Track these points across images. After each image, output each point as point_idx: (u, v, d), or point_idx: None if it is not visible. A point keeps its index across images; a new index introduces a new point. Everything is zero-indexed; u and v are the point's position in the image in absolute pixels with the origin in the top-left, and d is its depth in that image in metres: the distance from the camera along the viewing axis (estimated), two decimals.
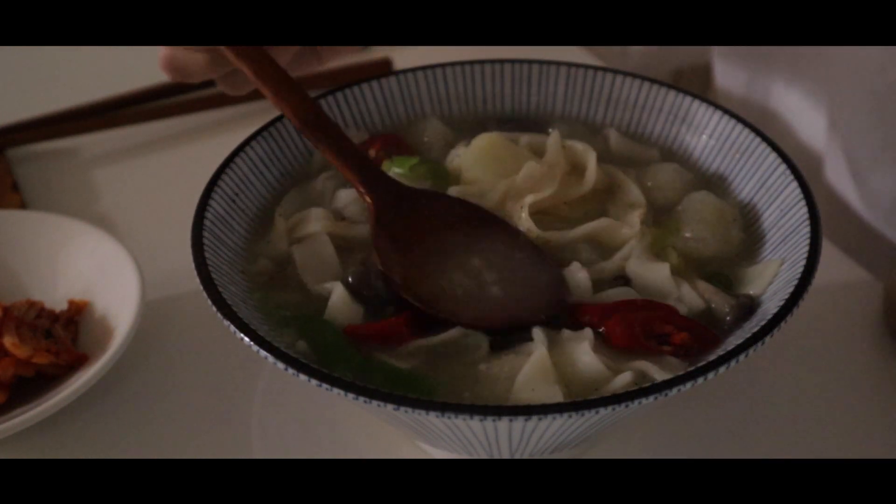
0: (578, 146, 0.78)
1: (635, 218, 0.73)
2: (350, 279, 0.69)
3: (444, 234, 0.72)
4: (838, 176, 1.01)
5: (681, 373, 0.57)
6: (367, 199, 0.73)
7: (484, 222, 0.73)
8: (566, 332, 0.65)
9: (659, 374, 0.61)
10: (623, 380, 0.62)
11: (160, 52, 0.75)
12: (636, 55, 1.25)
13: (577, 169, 0.78)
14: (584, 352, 0.63)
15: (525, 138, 0.80)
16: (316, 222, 0.74)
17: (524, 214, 0.73)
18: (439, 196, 0.75)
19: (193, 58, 0.75)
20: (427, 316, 0.66)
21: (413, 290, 0.68)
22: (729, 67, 1.13)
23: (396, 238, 0.71)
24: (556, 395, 0.61)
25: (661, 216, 0.76)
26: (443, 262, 0.70)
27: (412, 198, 0.74)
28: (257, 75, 0.74)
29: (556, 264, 0.70)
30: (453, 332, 0.65)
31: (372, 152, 0.81)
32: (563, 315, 0.67)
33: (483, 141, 0.78)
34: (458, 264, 0.70)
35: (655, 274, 0.69)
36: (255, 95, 1.15)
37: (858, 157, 0.98)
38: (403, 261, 0.70)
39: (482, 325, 0.66)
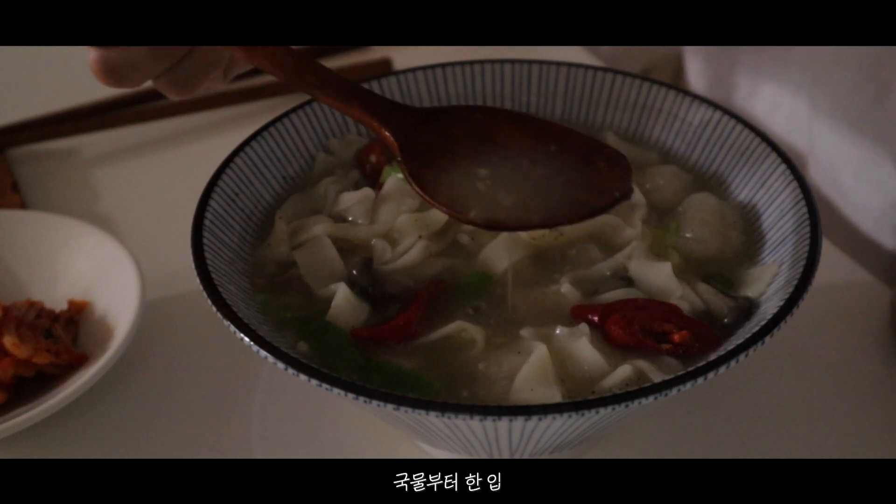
0: None
1: (636, 218, 0.73)
2: (354, 271, 0.69)
3: (479, 142, 0.67)
4: (823, 183, 1.00)
5: (679, 372, 0.57)
6: (386, 134, 0.67)
7: (516, 120, 0.69)
8: (561, 330, 0.65)
9: (655, 374, 0.61)
10: (623, 373, 0.62)
11: (90, 54, 0.64)
12: (605, 50, 1.24)
13: None
14: (583, 346, 0.63)
15: None
16: (317, 226, 0.73)
17: None
18: (460, 108, 0.72)
19: (130, 54, 0.64)
20: (433, 307, 0.65)
21: (467, 211, 0.64)
22: (700, 66, 1.12)
23: (429, 163, 0.66)
24: (554, 396, 0.61)
25: (661, 218, 0.76)
26: (489, 170, 0.66)
27: (431, 118, 0.69)
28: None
29: (607, 146, 0.67)
30: (454, 326, 0.65)
31: (373, 157, 0.81)
32: (630, 194, 0.64)
33: None
34: (503, 168, 0.66)
35: (658, 273, 0.69)
36: (252, 96, 1.16)
37: (840, 174, 0.97)
38: (444, 183, 0.66)
39: (555, 221, 0.64)
